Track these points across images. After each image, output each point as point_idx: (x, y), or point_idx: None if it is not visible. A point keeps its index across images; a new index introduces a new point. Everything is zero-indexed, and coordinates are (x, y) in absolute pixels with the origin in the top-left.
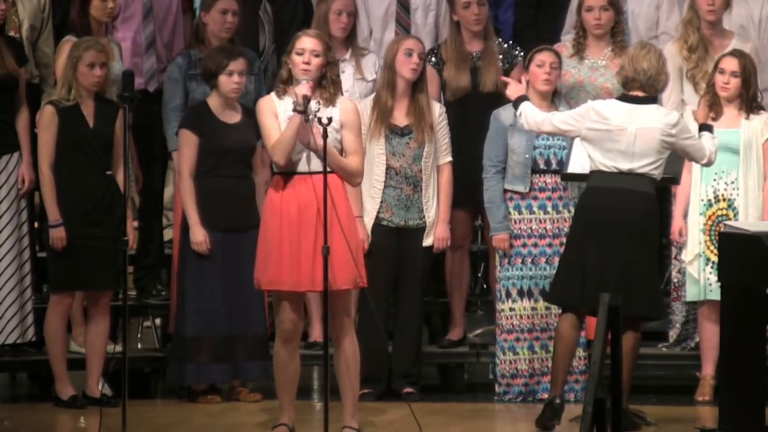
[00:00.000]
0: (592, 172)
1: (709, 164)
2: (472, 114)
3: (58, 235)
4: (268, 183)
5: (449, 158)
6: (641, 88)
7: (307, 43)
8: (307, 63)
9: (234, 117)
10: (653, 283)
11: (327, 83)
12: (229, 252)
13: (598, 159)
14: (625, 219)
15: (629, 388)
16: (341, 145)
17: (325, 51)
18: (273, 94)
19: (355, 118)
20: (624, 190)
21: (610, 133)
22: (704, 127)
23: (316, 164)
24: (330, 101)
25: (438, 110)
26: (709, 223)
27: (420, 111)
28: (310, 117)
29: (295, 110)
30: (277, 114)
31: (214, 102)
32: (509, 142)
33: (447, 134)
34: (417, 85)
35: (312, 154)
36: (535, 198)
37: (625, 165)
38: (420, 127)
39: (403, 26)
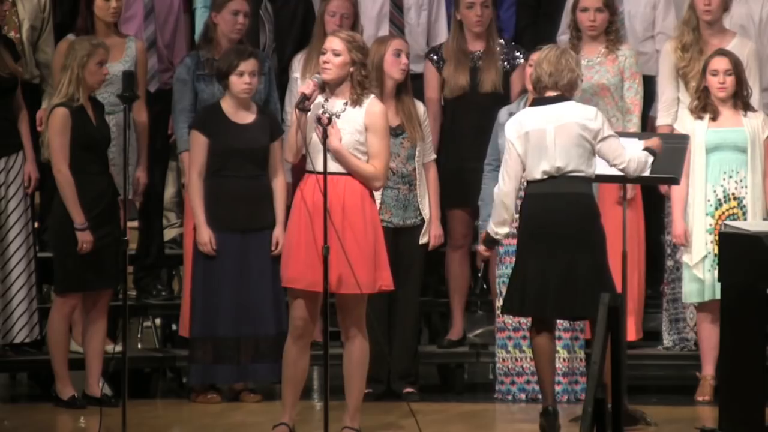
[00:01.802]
0: (527, 181)
1: (625, 170)
2: (470, 114)
3: (86, 239)
4: (285, 186)
5: (434, 156)
6: (553, 88)
7: (328, 42)
8: (326, 62)
9: (247, 117)
10: (601, 281)
11: (354, 83)
12: (237, 253)
13: (528, 173)
14: (560, 221)
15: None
16: (365, 148)
17: (348, 50)
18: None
19: (380, 122)
20: (557, 193)
21: (528, 137)
22: (649, 151)
23: (336, 165)
24: (357, 102)
25: (422, 109)
26: (720, 222)
27: (408, 110)
28: (317, 116)
29: (295, 107)
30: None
31: (227, 102)
32: (498, 141)
33: (430, 133)
34: (403, 85)
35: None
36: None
37: (552, 167)
38: (411, 126)
39: (397, 26)
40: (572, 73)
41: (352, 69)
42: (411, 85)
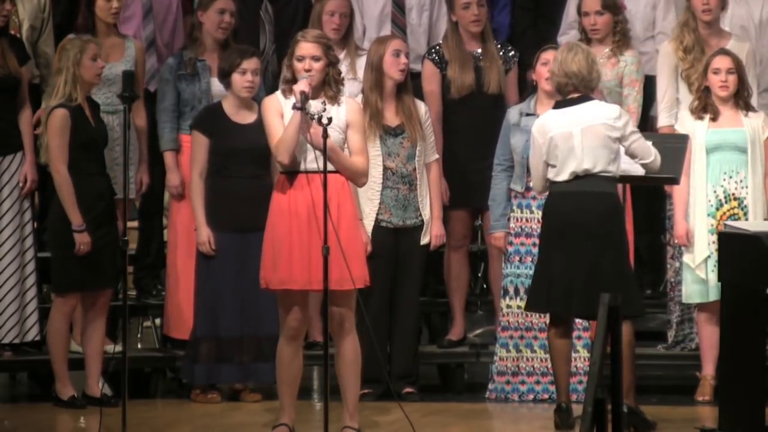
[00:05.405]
0: (551, 181)
1: (651, 166)
2: (475, 113)
3: (84, 240)
4: None
5: (436, 156)
6: (576, 90)
7: (305, 49)
8: (308, 69)
9: (248, 117)
10: (624, 281)
11: (330, 82)
12: (239, 253)
13: (555, 175)
14: (586, 221)
15: (634, 388)
16: (347, 145)
17: (325, 53)
18: (278, 93)
19: (360, 118)
20: (583, 192)
21: (553, 141)
22: None
23: (320, 164)
24: (334, 100)
25: (423, 108)
26: (721, 223)
27: (408, 110)
28: (313, 115)
29: (294, 107)
30: (282, 113)
31: (228, 102)
32: (511, 141)
33: (432, 133)
34: (403, 85)
35: (318, 153)
36: (534, 198)
37: (579, 169)
38: (411, 126)
39: (399, 26)
40: (598, 73)
41: (328, 69)
42: (411, 85)
